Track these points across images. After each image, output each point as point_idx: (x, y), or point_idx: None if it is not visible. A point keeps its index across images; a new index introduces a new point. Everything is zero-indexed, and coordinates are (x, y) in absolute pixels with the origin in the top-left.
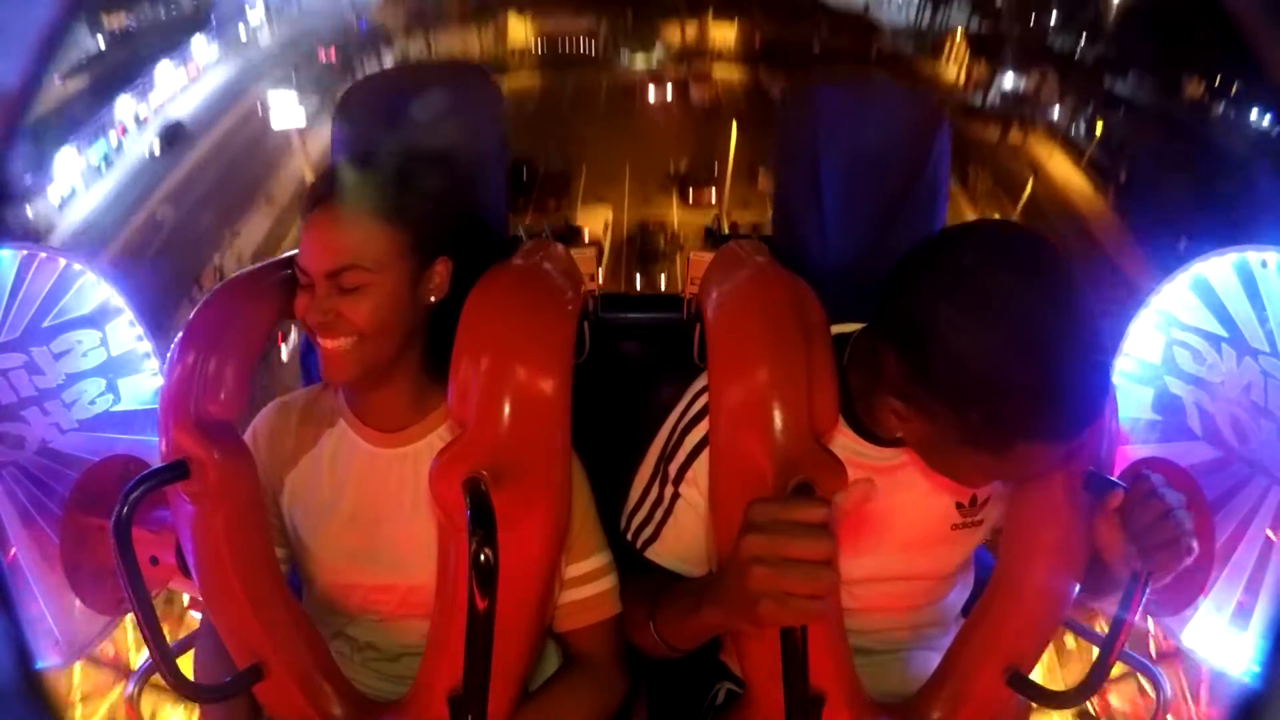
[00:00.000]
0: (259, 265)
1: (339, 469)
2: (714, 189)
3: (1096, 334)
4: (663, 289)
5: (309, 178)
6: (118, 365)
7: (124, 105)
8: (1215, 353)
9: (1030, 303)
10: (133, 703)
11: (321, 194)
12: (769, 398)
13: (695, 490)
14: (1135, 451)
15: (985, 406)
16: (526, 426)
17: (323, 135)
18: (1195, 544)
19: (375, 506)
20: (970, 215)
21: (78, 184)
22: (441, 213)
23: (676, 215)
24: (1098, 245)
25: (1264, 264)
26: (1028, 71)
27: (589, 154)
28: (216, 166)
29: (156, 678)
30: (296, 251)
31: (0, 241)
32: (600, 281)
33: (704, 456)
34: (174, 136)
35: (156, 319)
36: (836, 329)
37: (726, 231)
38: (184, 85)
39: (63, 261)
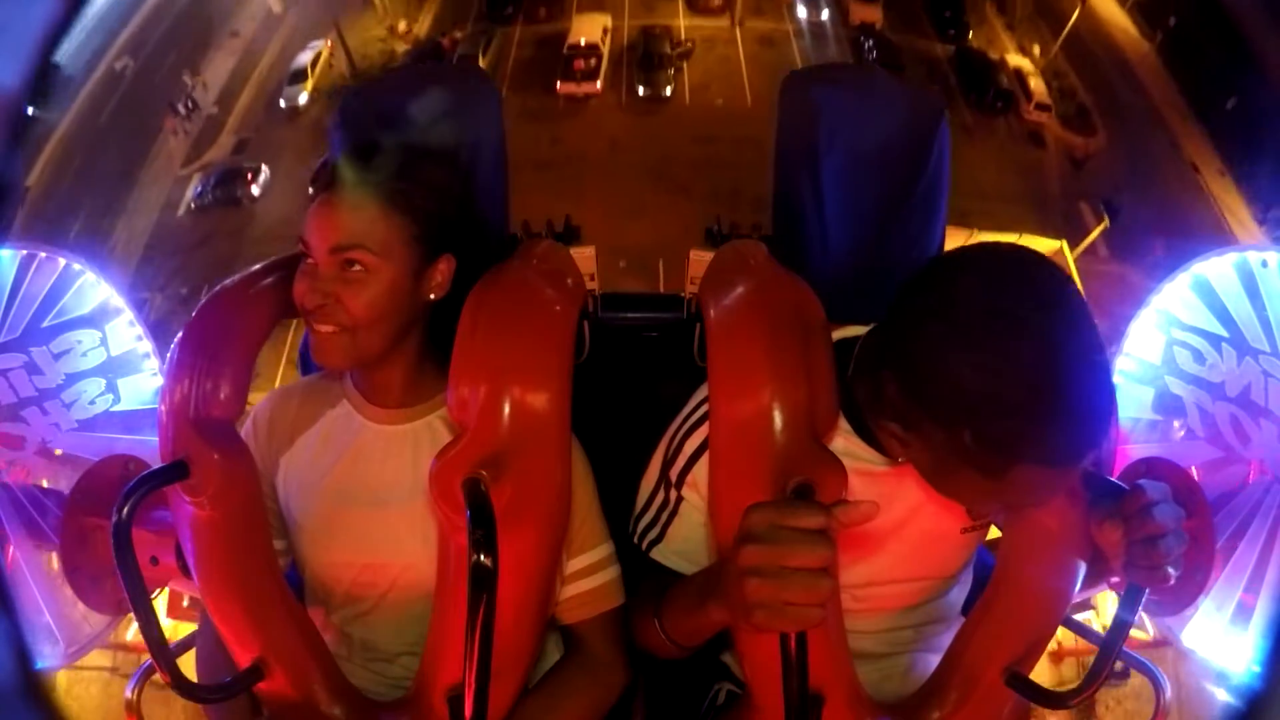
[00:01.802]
0: (258, 266)
1: (334, 445)
2: None
3: (1098, 355)
4: (667, 95)
5: (275, 5)
6: (118, 365)
7: None
8: (1215, 353)
9: (1031, 324)
10: (132, 703)
11: (331, 177)
12: (769, 398)
13: (696, 493)
14: (1135, 451)
15: (978, 427)
16: (526, 427)
17: None
18: (1174, 570)
19: (370, 482)
20: (1007, 42)
21: None
22: (449, 209)
23: (683, 22)
24: (1142, 91)
25: (1264, 264)
26: None
27: None
28: (175, 9)
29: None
30: (293, 254)
31: (0, 241)
32: (600, 88)
33: (704, 460)
34: None
35: (124, 173)
36: (842, 332)
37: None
38: None
39: (62, 261)
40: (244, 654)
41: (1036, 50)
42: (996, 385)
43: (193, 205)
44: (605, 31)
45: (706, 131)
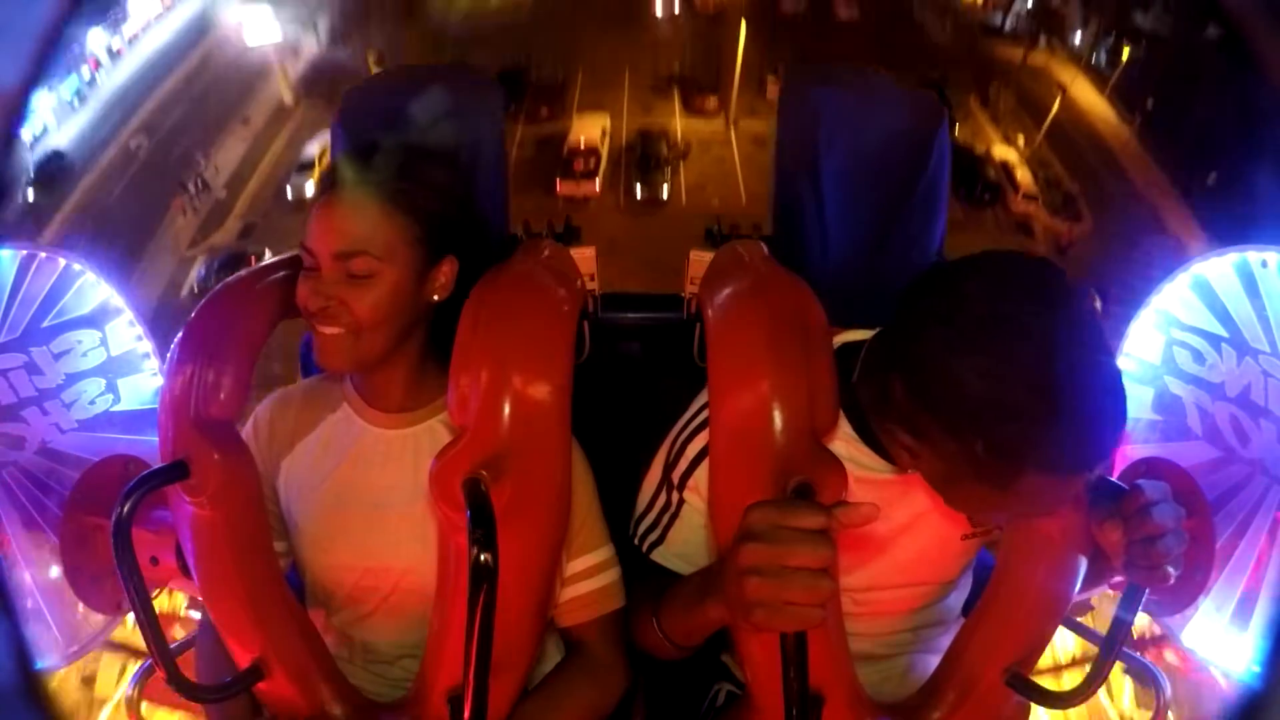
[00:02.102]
0: (258, 266)
1: (336, 449)
2: (717, 97)
3: (1104, 357)
4: (664, 197)
5: (286, 96)
6: (118, 365)
7: (96, 38)
8: (1215, 353)
9: (1034, 328)
10: (132, 703)
11: (333, 179)
12: (769, 397)
13: (698, 496)
14: (1135, 451)
15: (988, 435)
16: (526, 427)
17: (302, 55)
18: (1174, 570)
19: (371, 486)
20: (992, 135)
21: (50, 122)
22: (452, 210)
23: (680, 124)
24: (1124, 175)
25: (1264, 264)
26: None
27: (586, 62)
28: (191, 94)
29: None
30: (296, 253)
31: (0, 241)
32: (598, 189)
33: (706, 464)
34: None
35: (130, 250)
36: (846, 336)
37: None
38: (158, 14)
39: (62, 261)
40: (244, 654)
41: (1021, 141)
42: (999, 390)
43: (195, 289)
44: (604, 132)
45: (703, 232)
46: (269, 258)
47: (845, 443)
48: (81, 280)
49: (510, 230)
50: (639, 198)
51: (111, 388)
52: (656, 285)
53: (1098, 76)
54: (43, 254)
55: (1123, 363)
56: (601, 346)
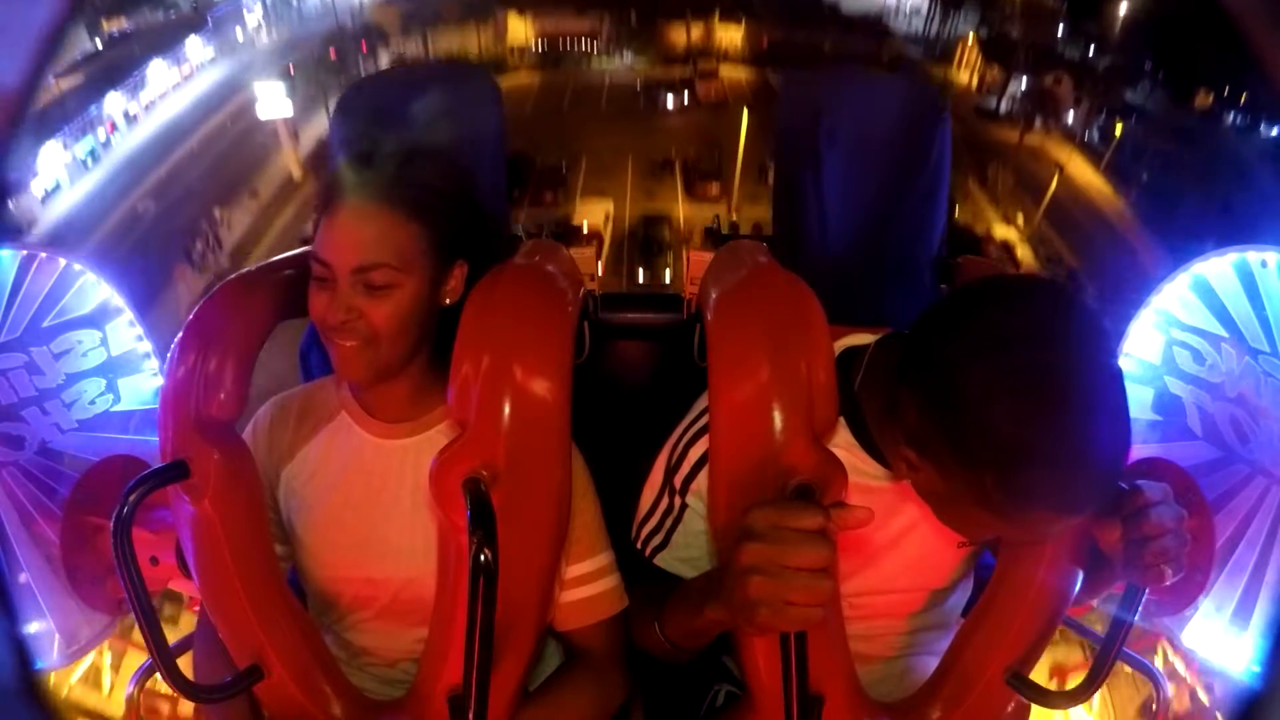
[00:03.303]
0: (258, 265)
1: (337, 460)
2: (720, 184)
3: (1124, 409)
4: (667, 281)
5: (295, 171)
6: (118, 365)
7: (113, 101)
8: (1215, 353)
9: (1075, 381)
10: (132, 703)
11: (347, 186)
12: (769, 398)
13: (700, 500)
14: (1135, 451)
15: (1006, 473)
16: (526, 427)
17: (311, 130)
18: (1174, 571)
19: (373, 498)
20: (991, 215)
21: (63, 178)
22: (463, 215)
23: (682, 210)
24: (1123, 248)
25: (1264, 264)
26: (1042, 75)
27: (589, 149)
28: (202, 162)
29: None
30: (296, 253)
31: (0, 241)
32: (599, 275)
33: (707, 469)
34: None
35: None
36: (848, 341)
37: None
38: (176, 83)
39: (63, 261)
40: (244, 654)
41: (1020, 220)
42: (1030, 435)
43: None
44: (607, 217)
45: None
46: None
47: (843, 449)
48: (82, 280)
49: (510, 231)
50: (641, 281)
51: (111, 388)
52: None
53: (1092, 154)
54: (43, 254)
55: (1123, 363)
56: (601, 346)
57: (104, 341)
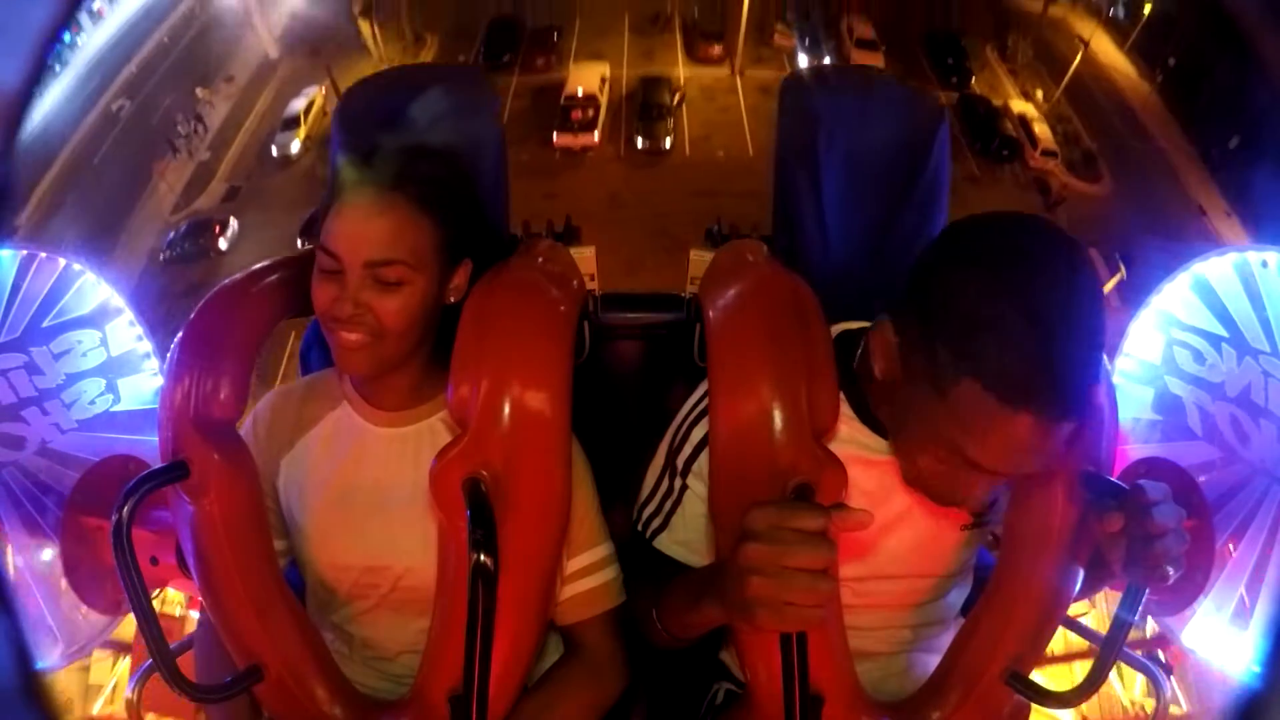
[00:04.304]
0: (257, 266)
1: (336, 448)
2: (723, 45)
3: (1094, 333)
4: (667, 147)
5: (270, 50)
6: (118, 365)
7: None
8: (1215, 353)
9: (1047, 271)
10: (132, 703)
11: (359, 179)
12: (769, 398)
13: (700, 483)
14: (1135, 451)
15: (953, 337)
16: (526, 427)
17: (284, 7)
18: (1174, 570)
19: (372, 485)
20: (1010, 88)
21: None
22: (470, 213)
23: (682, 71)
24: (1145, 134)
25: (1264, 264)
26: None
27: (582, 10)
28: (173, 52)
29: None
30: (296, 254)
31: (0, 242)
32: (597, 140)
33: (709, 451)
34: None
35: (116, 216)
36: (843, 325)
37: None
38: None
39: (63, 262)
40: (244, 654)
41: (1040, 95)
42: (990, 305)
43: (163, 257)
44: (603, 81)
45: (708, 185)
46: (233, 225)
47: (845, 422)
48: (81, 280)
49: (509, 230)
50: (640, 148)
51: (111, 388)
52: (659, 245)
53: (1118, 32)
54: (43, 254)
55: (1123, 363)
56: (601, 346)
57: (104, 341)
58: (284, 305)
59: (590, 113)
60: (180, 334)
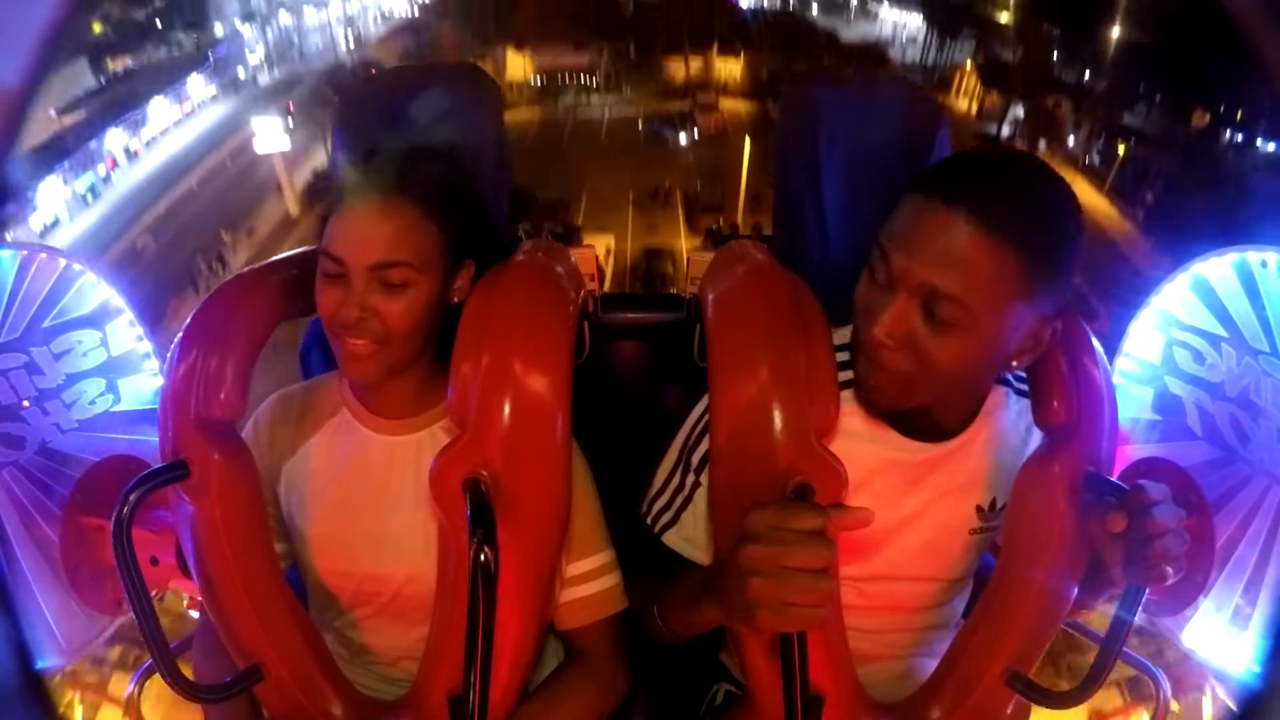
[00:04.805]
0: (259, 265)
1: (338, 456)
2: (723, 215)
3: (1041, 181)
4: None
5: (292, 208)
6: (118, 365)
7: (115, 138)
8: (1215, 353)
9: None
10: (133, 703)
11: (362, 182)
12: (769, 398)
13: None
14: (1135, 451)
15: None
16: (526, 426)
17: (310, 167)
18: (1174, 571)
19: (374, 494)
20: None
21: (61, 213)
22: (474, 214)
23: (685, 244)
24: (1133, 266)
25: (1264, 264)
26: (1041, 99)
27: (590, 184)
28: (200, 199)
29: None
30: (296, 253)
31: (0, 242)
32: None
33: (708, 469)
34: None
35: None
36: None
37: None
38: (177, 120)
39: (63, 262)
40: (244, 654)
41: None
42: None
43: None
44: (609, 251)
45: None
46: None
47: (854, 419)
48: (82, 280)
49: (511, 231)
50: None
51: (111, 388)
52: None
53: (1094, 177)
54: (43, 254)
55: (1122, 363)
56: (601, 346)
57: (104, 341)
58: (285, 306)
59: (595, 284)
60: (181, 334)
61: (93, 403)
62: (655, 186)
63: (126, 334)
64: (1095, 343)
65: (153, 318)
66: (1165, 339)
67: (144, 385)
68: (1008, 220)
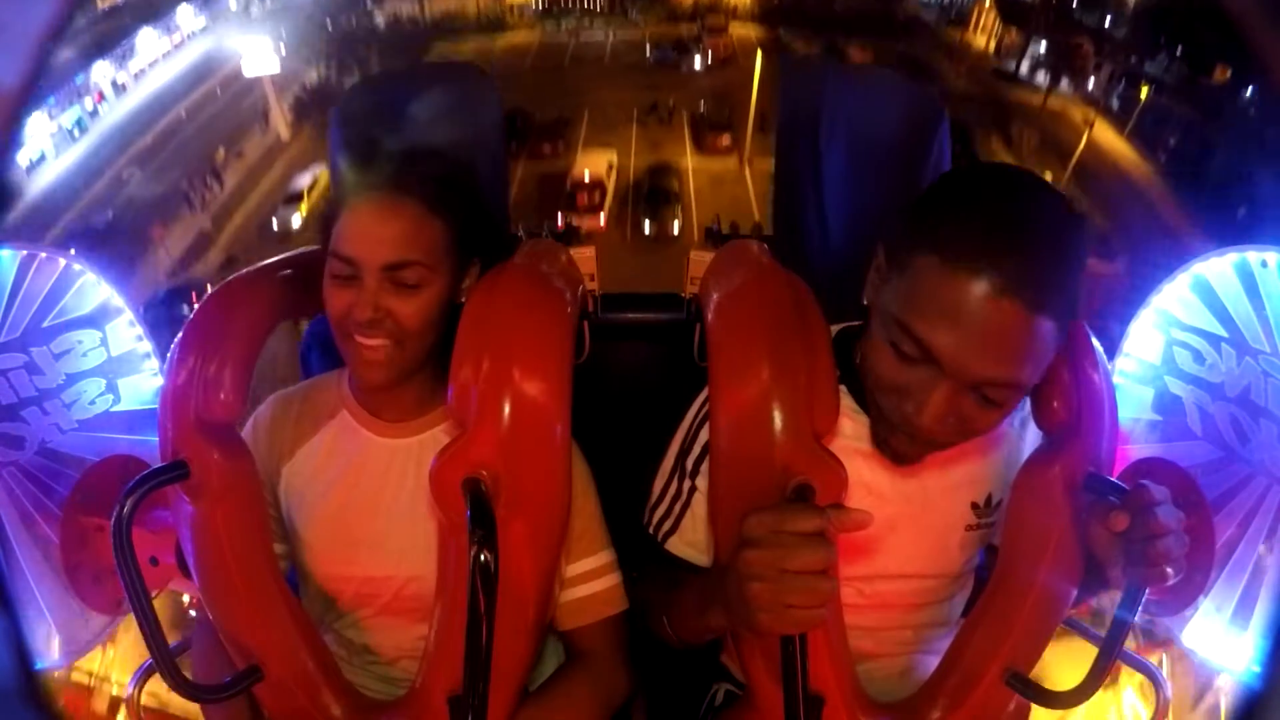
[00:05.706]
0: (258, 265)
1: (337, 458)
2: (730, 134)
3: (1079, 231)
4: (675, 234)
5: (283, 132)
6: (118, 365)
7: (101, 71)
8: (1215, 353)
9: (1024, 193)
10: (133, 703)
11: (369, 181)
12: (769, 397)
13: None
14: (1135, 451)
15: (918, 218)
16: (526, 427)
17: (298, 86)
18: (1174, 571)
19: (373, 496)
20: None
21: (48, 148)
22: (481, 212)
23: (690, 161)
24: (1153, 211)
25: (1264, 264)
26: (1062, 37)
27: (592, 105)
28: (188, 127)
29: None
30: (296, 253)
31: (0, 241)
32: (603, 224)
33: (708, 469)
34: None
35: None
36: (842, 325)
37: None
38: (166, 52)
39: (63, 261)
40: (244, 654)
41: (1048, 178)
42: (964, 194)
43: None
44: (610, 167)
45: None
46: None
47: (850, 418)
48: (82, 280)
49: (510, 230)
50: (648, 234)
51: (111, 388)
52: None
53: (1115, 120)
54: (43, 254)
55: (1123, 363)
56: (601, 346)
57: (104, 341)
58: (284, 305)
59: (596, 196)
60: (181, 334)
61: (93, 403)
62: (654, 101)
63: (126, 334)
64: (1095, 343)
65: (142, 244)
66: (1165, 339)
67: (144, 385)
68: (1052, 294)
